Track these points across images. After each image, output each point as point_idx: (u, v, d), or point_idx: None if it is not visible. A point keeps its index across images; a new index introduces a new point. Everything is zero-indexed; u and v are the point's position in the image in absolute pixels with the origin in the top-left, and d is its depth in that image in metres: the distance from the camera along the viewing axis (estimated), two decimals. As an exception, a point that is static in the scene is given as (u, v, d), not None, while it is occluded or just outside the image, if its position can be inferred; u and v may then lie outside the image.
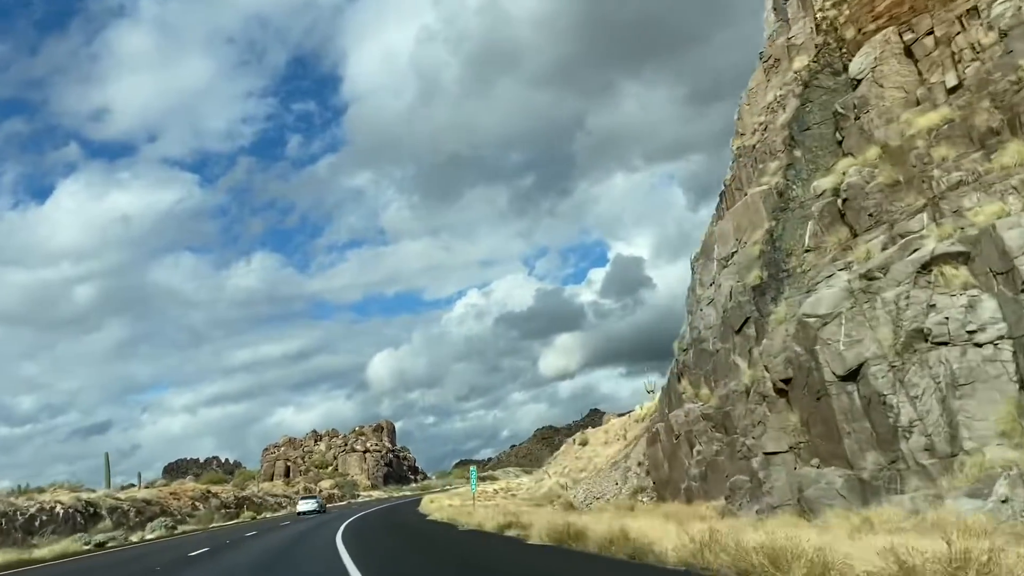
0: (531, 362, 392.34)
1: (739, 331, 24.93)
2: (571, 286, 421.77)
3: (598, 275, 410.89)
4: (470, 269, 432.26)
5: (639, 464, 32.02)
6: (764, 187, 26.09)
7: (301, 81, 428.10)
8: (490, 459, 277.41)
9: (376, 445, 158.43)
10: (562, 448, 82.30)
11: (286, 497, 73.74)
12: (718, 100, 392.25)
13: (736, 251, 26.70)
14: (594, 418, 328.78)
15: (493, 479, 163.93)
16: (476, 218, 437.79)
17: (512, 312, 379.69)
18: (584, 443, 68.56)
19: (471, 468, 39.78)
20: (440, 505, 43.30)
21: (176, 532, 42.64)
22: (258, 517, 57.15)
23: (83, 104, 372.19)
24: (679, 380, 28.66)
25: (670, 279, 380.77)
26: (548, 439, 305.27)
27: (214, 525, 50.33)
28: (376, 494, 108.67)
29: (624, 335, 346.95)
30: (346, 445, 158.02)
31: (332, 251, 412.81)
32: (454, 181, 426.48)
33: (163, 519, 43.10)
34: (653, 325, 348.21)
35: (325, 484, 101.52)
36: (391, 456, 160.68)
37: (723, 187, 30.79)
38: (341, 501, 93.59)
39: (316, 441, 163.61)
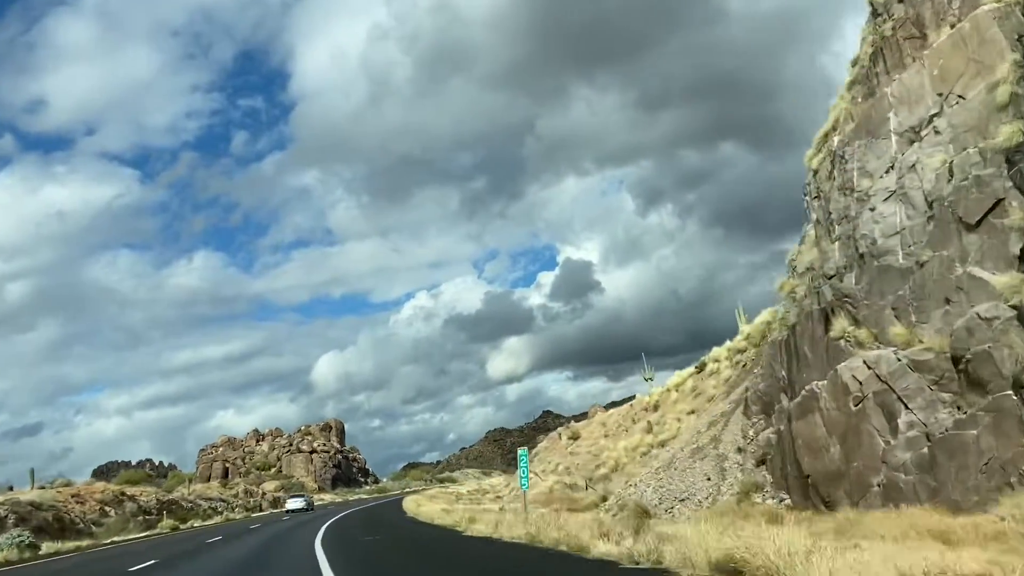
0: (479, 365, 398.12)
1: (977, 224, 15.14)
2: (520, 289, 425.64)
3: (547, 279, 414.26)
4: (419, 271, 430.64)
5: (740, 450, 22.03)
6: (999, 2, 16.36)
7: (248, 77, 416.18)
8: (438, 462, 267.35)
9: (324, 445, 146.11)
10: (542, 445, 72.26)
11: (222, 501, 61.61)
12: (668, 106, 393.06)
13: (944, 110, 16.86)
14: (547, 420, 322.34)
15: (452, 480, 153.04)
16: (426, 220, 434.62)
17: (461, 315, 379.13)
18: (575, 437, 58.83)
19: (520, 452, 29.45)
20: (434, 510, 32.94)
21: (40, 553, 29.74)
22: (183, 526, 45.26)
23: (18, 95, 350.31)
24: (827, 320, 18.69)
25: (618, 283, 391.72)
26: (499, 441, 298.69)
27: (121, 538, 37.92)
28: (328, 497, 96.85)
29: (572, 339, 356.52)
30: (291, 445, 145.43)
31: (277, 251, 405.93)
32: (404, 182, 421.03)
33: (17, 531, 30.65)
34: (601, 329, 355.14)
35: (268, 487, 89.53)
36: (340, 457, 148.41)
37: (872, 47, 20.94)
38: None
39: (258, 441, 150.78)
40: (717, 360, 43.64)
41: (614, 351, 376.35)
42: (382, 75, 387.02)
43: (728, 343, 46.66)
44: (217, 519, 53.23)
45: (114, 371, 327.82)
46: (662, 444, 34.75)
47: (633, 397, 62.55)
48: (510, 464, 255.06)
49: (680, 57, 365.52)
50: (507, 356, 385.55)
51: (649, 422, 40.69)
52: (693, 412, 36.83)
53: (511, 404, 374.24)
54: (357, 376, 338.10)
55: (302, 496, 73.07)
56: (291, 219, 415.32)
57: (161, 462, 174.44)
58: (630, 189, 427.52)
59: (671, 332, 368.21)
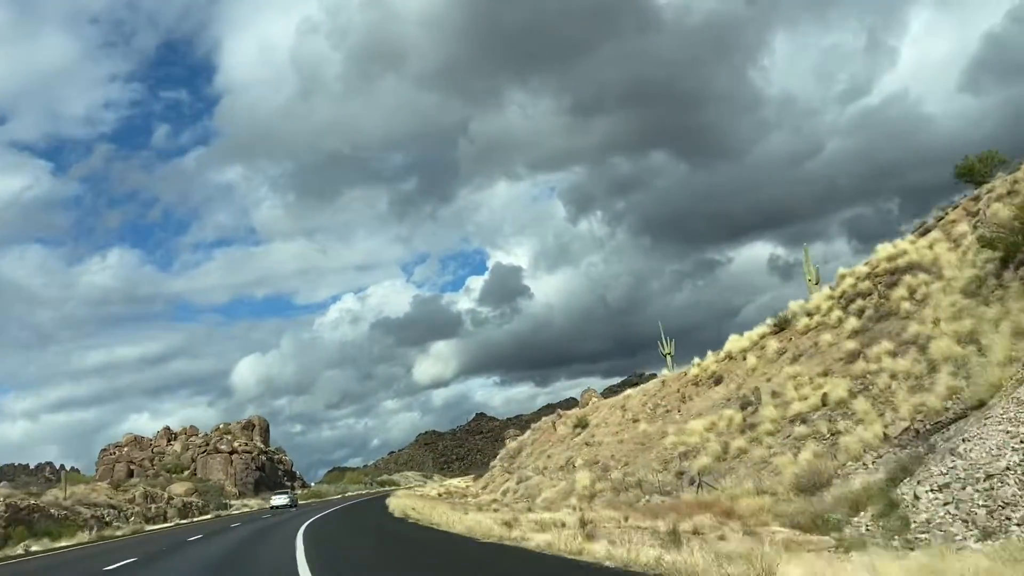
0: (405, 369, 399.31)
1: None
2: (449, 293, 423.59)
3: (477, 283, 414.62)
4: (346, 273, 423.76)
5: None
6: None
7: (172, 68, 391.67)
8: (365, 466, 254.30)
9: (245, 445, 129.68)
10: (525, 438, 59.51)
11: (112, 508, 46.20)
12: (601, 113, 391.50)
13: None
14: (481, 422, 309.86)
15: (393, 483, 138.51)
16: (354, 221, 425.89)
17: (388, 318, 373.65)
18: (582, 425, 46.51)
19: None
20: (468, 521, 19.65)
21: None
22: (34, 548, 29.92)
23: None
24: None
25: (547, 289, 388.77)
26: (431, 444, 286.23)
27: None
28: (254, 503, 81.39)
29: (501, 344, 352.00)
30: (207, 445, 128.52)
31: (198, 249, 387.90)
32: (332, 181, 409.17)
33: None
34: (529, 334, 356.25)
35: (178, 489, 74.04)
36: (263, 459, 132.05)
37: None
38: (205, 514, 65.79)
39: (169, 441, 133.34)
40: (812, 313, 31.72)
41: (542, 357, 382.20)
42: (312, 70, 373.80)
43: (807, 298, 35.48)
44: (85, 535, 38.06)
45: (20, 372, 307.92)
46: (799, 419, 22.31)
47: (646, 377, 51.07)
48: (443, 467, 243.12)
49: (614, 64, 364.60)
50: (434, 360, 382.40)
51: (745, 395, 28.20)
52: (827, 374, 24.54)
53: (438, 409, 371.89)
54: (279, 380, 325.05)
55: (286, 493, 75.99)
56: (213, 217, 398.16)
57: (63, 465, 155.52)
58: (561, 195, 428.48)
59: (598, 339, 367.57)
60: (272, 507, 66.59)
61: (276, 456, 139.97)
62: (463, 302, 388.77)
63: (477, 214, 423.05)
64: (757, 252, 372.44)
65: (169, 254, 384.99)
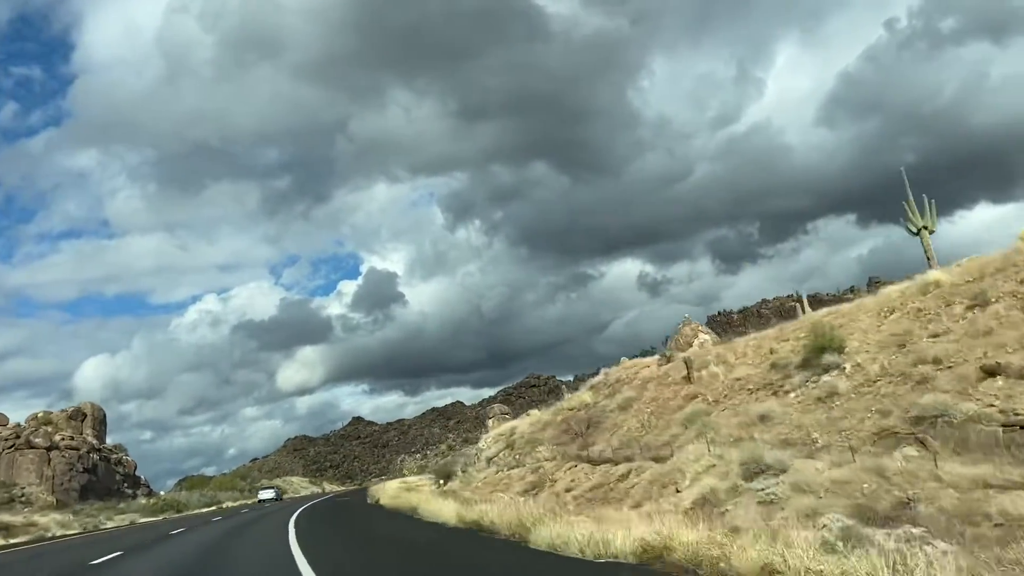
0: (268, 375, 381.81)
1: None
2: (320, 298, 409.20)
3: (349, 288, 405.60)
4: (208, 272, 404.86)
5: None
6: None
7: (25, 43, 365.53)
8: (224, 474, 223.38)
9: (71, 440, 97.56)
10: (618, 401, 35.15)
11: None
12: (485, 119, 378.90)
13: None
14: (358, 426, 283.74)
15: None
16: (220, 217, 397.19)
17: (252, 321, 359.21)
18: (624, 407, 22.63)
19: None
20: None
21: None
22: None
23: None
24: None
25: (422, 297, 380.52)
26: (301, 450, 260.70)
27: None
28: (77, 524, 51.53)
29: (372, 351, 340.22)
30: (17, 438, 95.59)
31: (43, 240, 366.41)
32: (198, 173, 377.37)
33: None
34: (402, 342, 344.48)
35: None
36: (95, 458, 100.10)
37: None
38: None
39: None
40: None
41: (413, 365, 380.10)
42: (180, 53, 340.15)
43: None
44: None
45: None
46: None
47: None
48: (315, 474, 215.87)
49: (500, 71, 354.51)
50: (300, 366, 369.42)
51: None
52: None
53: (302, 417, 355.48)
54: (128, 383, 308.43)
55: (273, 488, 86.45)
56: (62, 205, 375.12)
57: None
58: (440, 202, 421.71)
59: (472, 348, 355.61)
60: (259, 500, 75.62)
61: (114, 456, 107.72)
62: (334, 307, 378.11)
63: (353, 216, 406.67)
64: (628, 268, 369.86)
65: (10, 243, 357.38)
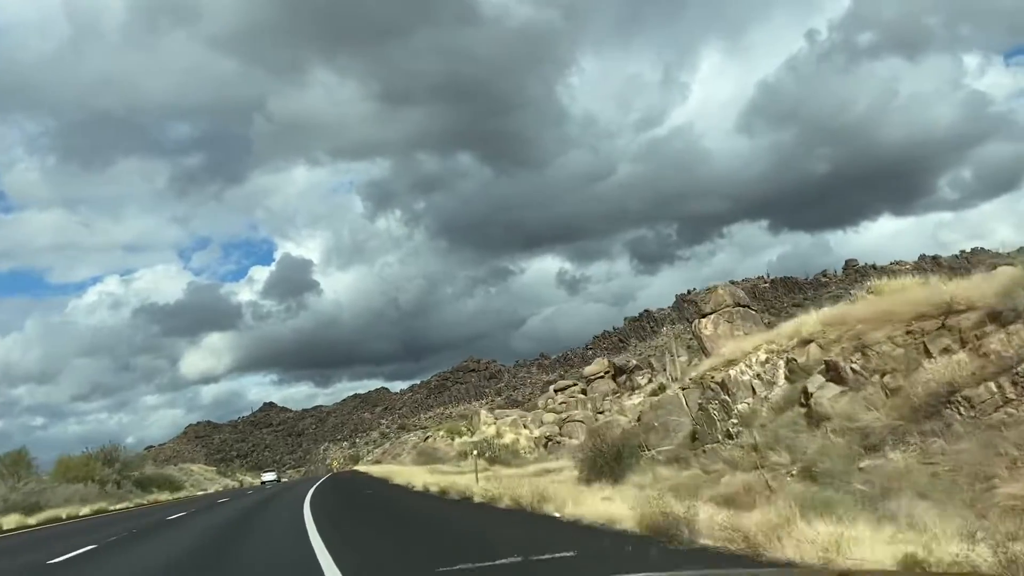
0: (171, 362, 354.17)
1: None
2: (230, 283, 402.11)
3: (261, 274, 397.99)
4: (112, 252, 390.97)
5: None
6: None
7: None
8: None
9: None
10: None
11: None
12: (410, 104, 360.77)
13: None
14: (270, 413, 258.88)
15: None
16: (126, 194, 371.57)
17: (156, 305, 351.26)
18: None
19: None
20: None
21: None
22: None
23: None
24: None
25: (338, 286, 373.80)
26: (204, 437, 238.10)
27: None
28: None
29: (283, 340, 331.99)
30: None
31: None
32: (103, 146, 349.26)
33: None
34: (315, 332, 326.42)
35: None
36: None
37: None
38: None
39: None
40: None
41: (325, 356, 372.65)
42: (88, 16, 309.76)
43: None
44: None
45: None
46: None
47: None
48: (219, 463, 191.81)
49: (428, 54, 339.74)
50: (206, 354, 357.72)
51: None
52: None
53: (206, 406, 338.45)
54: (19, 366, 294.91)
55: (273, 471, 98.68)
56: None
57: None
58: (360, 190, 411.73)
59: (386, 340, 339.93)
60: (262, 483, 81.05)
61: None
62: (244, 293, 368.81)
63: (269, 200, 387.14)
64: (548, 265, 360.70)
65: None
